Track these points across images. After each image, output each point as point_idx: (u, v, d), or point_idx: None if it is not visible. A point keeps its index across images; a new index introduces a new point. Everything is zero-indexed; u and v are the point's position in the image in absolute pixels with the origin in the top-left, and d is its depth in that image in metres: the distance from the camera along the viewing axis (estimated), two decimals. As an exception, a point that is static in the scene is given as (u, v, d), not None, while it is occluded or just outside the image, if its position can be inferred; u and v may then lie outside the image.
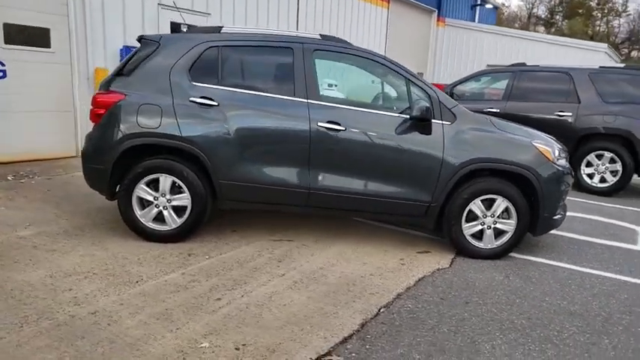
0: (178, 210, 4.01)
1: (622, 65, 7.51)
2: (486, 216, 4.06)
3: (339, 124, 3.92)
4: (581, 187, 7.24)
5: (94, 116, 3.97)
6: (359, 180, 4.00)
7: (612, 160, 7.10)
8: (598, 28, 51.90)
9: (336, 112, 3.97)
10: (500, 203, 4.03)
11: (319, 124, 3.91)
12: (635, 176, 7.14)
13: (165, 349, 2.54)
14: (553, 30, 49.90)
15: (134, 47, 7.45)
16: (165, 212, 4.00)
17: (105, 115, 3.91)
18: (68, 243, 3.94)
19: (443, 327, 2.96)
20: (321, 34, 4.23)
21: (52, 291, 3.10)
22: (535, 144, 4.07)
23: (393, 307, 3.17)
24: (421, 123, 3.92)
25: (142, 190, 3.95)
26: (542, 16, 56.15)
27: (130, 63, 4.05)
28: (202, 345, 2.60)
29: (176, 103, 3.89)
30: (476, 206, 4.04)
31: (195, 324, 2.81)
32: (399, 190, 4.01)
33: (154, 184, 3.97)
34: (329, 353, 2.60)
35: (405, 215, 4.14)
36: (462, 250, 4.15)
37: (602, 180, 7.20)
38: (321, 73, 4.10)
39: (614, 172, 7.12)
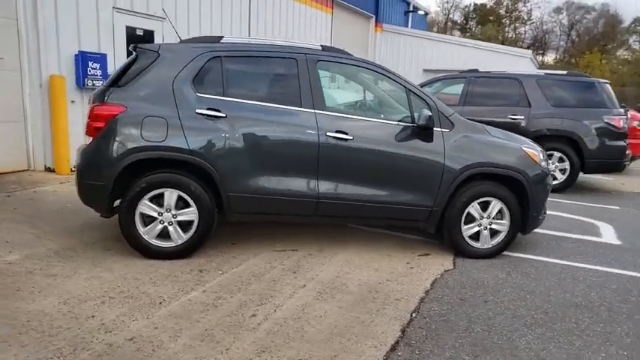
0: (183, 225, 3.88)
1: (565, 72, 8.15)
2: (483, 217, 4.29)
3: (346, 134, 3.97)
4: (534, 185, 7.76)
5: (92, 129, 3.75)
6: (365, 188, 4.08)
7: (561, 160, 7.70)
8: (507, 34, 55.74)
9: (343, 121, 4.03)
10: (495, 205, 4.27)
11: (328, 133, 3.95)
12: (580, 174, 7.79)
13: (225, 372, 2.48)
14: (468, 35, 52.89)
15: (91, 53, 7.12)
16: (170, 228, 3.85)
17: (105, 129, 3.70)
18: (66, 266, 3.69)
19: (476, 327, 3.10)
20: (322, 45, 4.27)
21: (74, 319, 2.90)
22: (524, 148, 4.36)
23: (422, 312, 3.27)
24: (424, 131, 4.07)
25: (145, 206, 3.79)
26: (458, 21, 59.43)
27: (128, 74, 3.86)
28: (260, 364, 2.56)
29: (182, 115, 3.76)
30: (474, 209, 4.25)
31: (241, 343, 2.75)
32: (404, 197, 4.13)
33: (156, 200, 3.81)
34: (388, 361, 2.65)
35: (409, 220, 4.27)
36: (461, 251, 4.35)
37: (553, 178, 7.78)
38: (325, 84, 4.14)
39: (563, 170, 7.72)
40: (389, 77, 4.24)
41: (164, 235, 3.87)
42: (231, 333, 2.86)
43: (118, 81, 3.92)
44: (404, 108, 4.21)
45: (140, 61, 3.90)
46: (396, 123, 4.14)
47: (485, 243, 4.35)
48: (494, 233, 4.35)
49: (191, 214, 3.85)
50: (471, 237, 4.33)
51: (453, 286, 3.73)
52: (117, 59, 7.63)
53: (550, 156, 7.72)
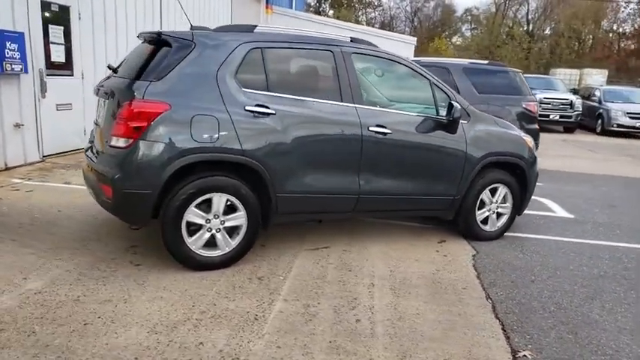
0: (229, 232, 3.60)
1: (486, 62, 8.97)
2: (492, 202, 4.65)
3: (385, 128, 4.00)
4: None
5: (130, 130, 3.24)
6: (401, 181, 4.17)
7: (488, 142, 8.51)
8: (359, 18, 58.72)
9: (381, 115, 4.04)
10: (502, 190, 4.66)
11: (370, 128, 3.93)
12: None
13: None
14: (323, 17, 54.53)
15: (7, 32, 5.97)
16: (218, 235, 3.55)
17: (148, 129, 3.24)
18: (109, 288, 3.21)
19: (550, 306, 3.42)
20: (350, 37, 4.18)
21: (186, 349, 2.58)
22: (522, 136, 4.80)
23: (493, 298, 3.50)
24: (452, 123, 4.25)
25: (192, 214, 3.43)
26: (312, 4, 60.84)
27: (159, 66, 3.40)
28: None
29: (231, 112, 3.45)
30: (485, 195, 4.59)
31: (376, 351, 2.71)
32: (435, 188, 4.31)
33: (203, 206, 3.47)
34: (518, 350, 2.82)
35: (435, 210, 4.47)
36: (474, 235, 4.67)
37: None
38: (360, 77, 4.09)
39: (489, 152, 8.56)
40: (415, 70, 4.32)
41: (210, 243, 3.55)
42: (357, 342, 2.78)
43: (141, 74, 3.44)
44: (430, 101, 4.34)
45: (173, 52, 3.46)
46: (426, 116, 4.26)
47: (493, 226, 4.73)
48: (498, 216, 4.75)
49: (239, 218, 3.58)
50: (482, 221, 4.67)
51: (493, 270, 4.02)
52: (33, 39, 6.54)
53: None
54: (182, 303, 3.08)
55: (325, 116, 3.81)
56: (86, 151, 4.11)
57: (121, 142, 3.28)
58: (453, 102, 4.24)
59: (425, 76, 4.34)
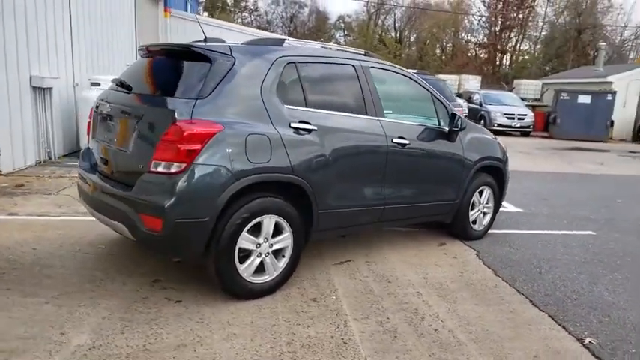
0: (275, 254, 3.45)
1: (416, 70, 9.54)
2: (480, 204, 5.01)
3: (404, 139, 4.11)
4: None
5: (182, 154, 2.94)
6: (417, 189, 4.33)
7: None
8: (237, 22, 58.47)
9: (400, 127, 4.14)
10: (487, 192, 5.04)
11: (393, 140, 4.02)
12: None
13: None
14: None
15: None
16: (267, 259, 3.37)
17: (202, 152, 2.97)
18: (171, 331, 2.89)
19: (572, 295, 3.80)
20: (365, 51, 4.24)
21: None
22: (498, 141, 5.24)
23: (527, 292, 3.79)
24: (452, 132, 4.50)
25: (245, 239, 3.23)
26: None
27: (205, 82, 3.13)
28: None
29: (279, 130, 3.30)
30: (475, 197, 4.94)
31: (477, 357, 2.81)
32: (442, 193, 4.54)
33: (253, 229, 3.28)
34: (581, 338, 3.12)
35: (440, 214, 4.69)
36: (468, 235, 4.99)
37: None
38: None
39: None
40: (419, 84, 4.50)
41: (259, 269, 3.36)
42: (452, 351, 2.87)
43: (172, 91, 3.16)
44: (432, 111, 4.54)
45: (214, 67, 3.20)
46: (433, 126, 4.46)
47: (480, 225, 5.10)
48: (484, 216, 5.13)
49: (286, 240, 3.45)
50: (472, 222, 5.00)
51: (502, 266, 4.34)
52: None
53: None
54: (261, 336, 2.88)
55: (358, 130, 3.83)
56: (89, 171, 3.63)
57: (172, 168, 2.96)
58: (455, 113, 4.49)
59: (426, 88, 4.54)
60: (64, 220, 4.82)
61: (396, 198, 4.16)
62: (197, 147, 2.97)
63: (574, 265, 4.49)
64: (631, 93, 20.20)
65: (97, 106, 3.73)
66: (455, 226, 4.97)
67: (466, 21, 44.02)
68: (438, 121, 4.54)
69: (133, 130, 3.22)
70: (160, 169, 3.00)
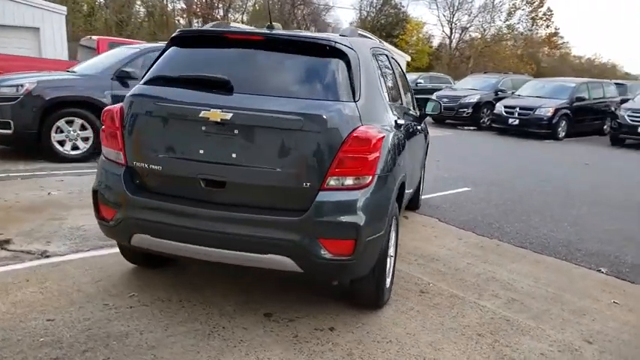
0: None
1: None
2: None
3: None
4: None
5: (368, 165, 2.56)
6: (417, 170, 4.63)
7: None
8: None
9: (404, 110, 4.20)
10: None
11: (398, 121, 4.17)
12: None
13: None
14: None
15: None
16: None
17: (380, 159, 2.65)
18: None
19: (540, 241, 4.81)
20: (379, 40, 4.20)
21: None
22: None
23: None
24: (423, 116, 4.90)
25: (393, 247, 3.13)
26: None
27: (349, 81, 2.73)
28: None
29: (398, 129, 3.21)
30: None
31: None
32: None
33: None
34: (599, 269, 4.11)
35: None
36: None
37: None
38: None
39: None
40: (400, 66, 4.67)
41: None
42: None
43: (325, 93, 2.70)
44: (409, 96, 4.76)
45: (350, 63, 2.79)
46: (416, 112, 4.75)
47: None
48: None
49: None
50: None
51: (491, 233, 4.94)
52: None
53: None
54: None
55: (408, 118, 3.93)
56: (167, 200, 2.69)
57: (360, 180, 2.56)
58: (432, 99, 4.92)
59: (404, 73, 4.79)
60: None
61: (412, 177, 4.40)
62: (377, 155, 2.64)
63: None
64: None
65: (148, 111, 2.75)
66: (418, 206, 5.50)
67: None
68: (413, 106, 4.88)
69: (279, 142, 2.55)
70: (345, 184, 2.56)
